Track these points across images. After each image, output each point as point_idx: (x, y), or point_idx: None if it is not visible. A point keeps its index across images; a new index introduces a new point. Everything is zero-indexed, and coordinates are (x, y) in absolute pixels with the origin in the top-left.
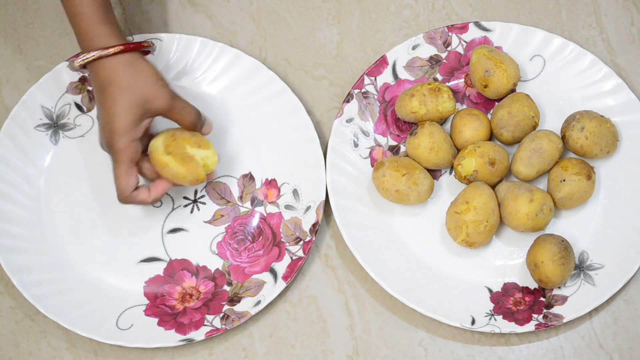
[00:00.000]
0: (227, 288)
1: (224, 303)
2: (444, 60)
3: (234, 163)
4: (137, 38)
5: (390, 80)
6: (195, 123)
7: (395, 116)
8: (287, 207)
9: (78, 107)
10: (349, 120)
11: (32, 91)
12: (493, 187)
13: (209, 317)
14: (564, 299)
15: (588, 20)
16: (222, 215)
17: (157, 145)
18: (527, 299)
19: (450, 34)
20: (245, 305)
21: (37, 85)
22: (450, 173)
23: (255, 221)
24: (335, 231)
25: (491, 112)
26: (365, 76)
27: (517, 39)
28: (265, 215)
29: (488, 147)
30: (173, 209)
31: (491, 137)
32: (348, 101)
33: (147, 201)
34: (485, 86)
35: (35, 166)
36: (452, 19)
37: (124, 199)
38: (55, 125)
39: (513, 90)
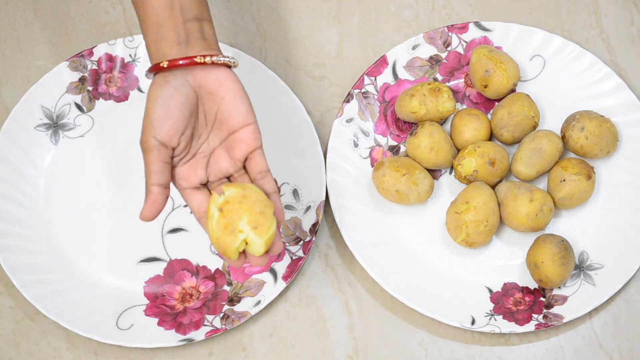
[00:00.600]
0: (227, 288)
1: (224, 303)
2: (444, 60)
3: None
4: (138, 39)
5: (390, 80)
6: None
7: (395, 116)
8: (287, 207)
9: (78, 107)
10: (349, 120)
11: (32, 91)
12: (493, 187)
13: (209, 317)
14: (564, 299)
15: (588, 20)
16: None
17: (224, 190)
18: (527, 299)
19: (450, 34)
20: (245, 305)
21: (37, 85)
22: (450, 173)
23: None
24: (335, 231)
25: (491, 112)
26: (365, 76)
27: (517, 39)
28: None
29: (488, 147)
30: (173, 209)
31: (491, 137)
32: (348, 101)
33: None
34: (485, 86)
35: (35, 166)
36: (452, 19)
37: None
38: (55, 125)
39: (513, 90)
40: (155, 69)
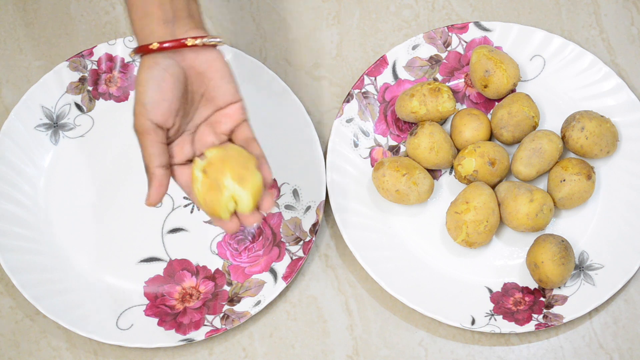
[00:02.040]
0: (227, 288)
1: (224, 303)
2: (444, 60)
3: None
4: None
5: (390, 80)
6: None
7: (395, 116)
8: (287, 207)
9: (78, 107)
10: (349, 120)
11: (32, 91)
12: (493, 187)
13: (209, 317)
14: (564, 299)
15: (588, 20)
16: None
17: (206, 154)
18: (527, 299)
19: (450, 34)
20: (245, 305)
21: (37, 85)
22: (450, 173)
23: None
24: (335, 231)
25: (491, 112)
26: (365, 76)
27: (517, 39)
28: (265, 215)
29: (488, 147)
30: (173, 209)
31: (491, 137)
32: (348, 101)
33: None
34: (485, 86)
35: (35, 166)
36: (452, 19)
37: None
38: (55, 125)
39: (513, 90)
40: (143, 50)
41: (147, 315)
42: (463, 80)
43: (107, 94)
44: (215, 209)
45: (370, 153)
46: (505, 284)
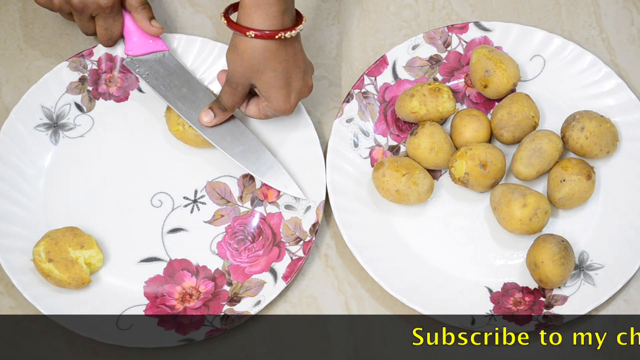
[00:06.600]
0: (227, 288)
1: (224, 303)
2: (444, 60)
3: (234, 163)
4: None
5: (390, 80)
6: None
7: (395, 116)
8: (287, 207)
9: (78, 107)
10: (349, 120)
11: (32, 91)
12: (488, 188)
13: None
14: (564, 299)
15: (588, 20)
16: (222, 215)
17: (39, 251)
18: (527, 299)
19: (450, 34)
20: (245, 305)
21: (37, 85)
22: None
23: (255, 221)
24: (335, 231)
25: (491, 112)
26: (365, 76)
27: (517, 39)
28: (265, 215)
29: (479, 150)
30: (173, 209)
31: (491, 137)
32: (348, 101)
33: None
34: (485, 86)
35: (35, 166)
36: (452, 19)
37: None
38: (55, 125)
39: (513, 90)
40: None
41: (147, 315)
42: (463, 80)
43: (107, 94)
44: (81, 277)
45: (370, 153)
46: (505, 284)
